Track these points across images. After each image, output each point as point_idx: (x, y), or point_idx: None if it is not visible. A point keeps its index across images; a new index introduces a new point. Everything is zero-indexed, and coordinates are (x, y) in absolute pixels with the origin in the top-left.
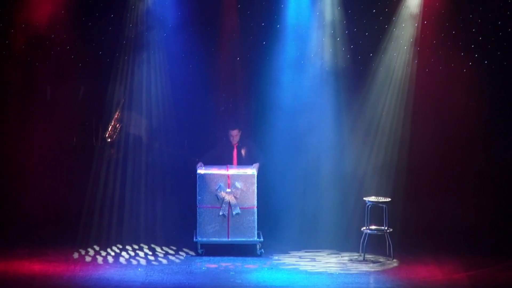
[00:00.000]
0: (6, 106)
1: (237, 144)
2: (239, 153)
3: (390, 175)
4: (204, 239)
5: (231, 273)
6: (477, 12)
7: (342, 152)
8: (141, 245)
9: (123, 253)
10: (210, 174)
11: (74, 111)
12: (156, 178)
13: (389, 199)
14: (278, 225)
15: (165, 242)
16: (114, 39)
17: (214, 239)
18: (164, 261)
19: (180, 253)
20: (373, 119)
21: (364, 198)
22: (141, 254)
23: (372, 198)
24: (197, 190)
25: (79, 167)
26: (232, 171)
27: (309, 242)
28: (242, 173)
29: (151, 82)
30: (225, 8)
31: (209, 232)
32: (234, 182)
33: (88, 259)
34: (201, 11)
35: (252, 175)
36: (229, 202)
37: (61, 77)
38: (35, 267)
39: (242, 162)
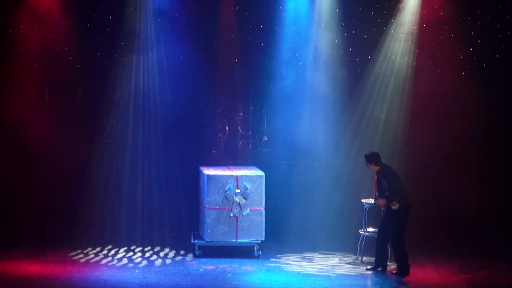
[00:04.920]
0: (4, 107)
1: (377, 176)
2: (378, 181)
3: None
4: (213, 240)
5: (228, 275)
6: (476, 14)
7: (341, 154)
8: (139, 246)
9: (121, 254)
10: (219, 176)
11: (72, 112)
12: (154, 179)
13: None
14: (277, 227)
15: (162, 243)
16: (112, 40)
17: (223, 240)
18: (162, 262)
19: (178, 254)
20: (372, 121)
21: (362, 200)
22: (139, 255)
23: (370, 201)
24: (206, 191)
25: (76, 168)
26: (241, 172)
27: (307, 244)
28: (251, 174)
29: (150, 83)
30: (223, 9)
31: (218, 233)
32: (243, 183)
33: (86, 260)
34: (200, 12)
35: (261, 176)
36: (239, 203)
37: (59, 78)
38: (32, 268)
39: (382, 189)
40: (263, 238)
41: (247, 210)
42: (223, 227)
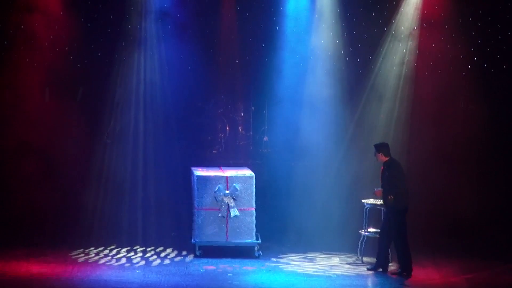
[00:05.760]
0: (4, 107)
1: (383, 167)
2: (383, 172)
3: None
4: (203, 240)
5: (228, 275)
6: (476, 15)
7: (342, 155)
8: (140, 246)
9: (121, 255)
10: (208, 176)
11: (72, 112)
12: (155, 179)
13: None
14: (277, 227)
15: (164, 243)
16: (113, 40)
17: (213, 240)
18: (162, 262)
19: (178, 254)
20: (372, 122)
21: (363, 201)
22: (140, 255)
23: (370, 201)
24: (196, 192)
25: (76, 169)
26: (231, 172)
27: (308, 244)
28: (241, 175)
29: (150, 83)
30: (224, 10)
31: (208, 234)
32: (233, 183)
33: (86, 260)
34: (200, 13)
35: (251, 177)
36: (228, 204)
37: (60, 78)
38: (33, 268)
39: (384, 181)
40: (254, 239)
41: (235, 211)
42: (213, 227)
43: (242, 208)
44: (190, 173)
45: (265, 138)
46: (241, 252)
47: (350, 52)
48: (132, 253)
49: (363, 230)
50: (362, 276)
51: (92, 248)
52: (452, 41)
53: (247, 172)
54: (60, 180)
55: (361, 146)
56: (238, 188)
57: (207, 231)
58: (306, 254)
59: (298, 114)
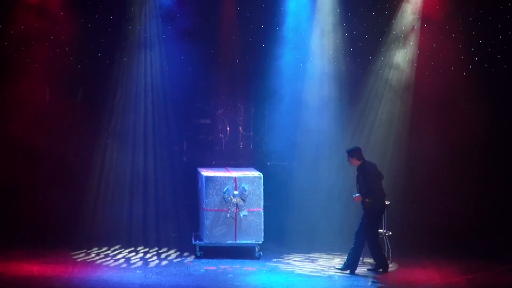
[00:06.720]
0: (4, 108)
1: (357, 171)
2: (358, 175)
3: (389, 178)
4: (212, 241)
5: (229, 275)
6: (477, 15)
7: (342, 155)
8: (141, 247)
9: (122, 255)
10: (217, 177)
11: (73, 112)
12: (156, 180)
13: (388, 202)
14: (277, 228)
15: (164, 244)
16: (113, 40)
17: (221, 241)
18: (163, 263)
19: (180, 255)
20: (372, 122)
21: None
22: (140, 256)
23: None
24: (204, 193)
25: (76, 169)
26: (239, 173)
27: (308, 245)
28: (249, 175)
29: (150, 83)
30: (224, 10)
31: (216, 234)
32: (241, 184)
33: (86, 260)
34: (201, 13)
35: (259, 177)
36: (237, 204)
37: (60, 78)
38: (33, 268)
39: (360, 185)
40: (262, 239)
41: (244, 212)
42: (221, 228)
43: (251, 209)
44: (196, 173)
45: (266, 139)
46: (242, 253)
47: (351, 52)
48: (134, 253)
49: None
50: (363, 276)
51: (95, 249)
52: (453, 41)
53: (255, 173)
54: (61, 180)
55: (362, 146)
56: (246, 189)
57: (216, 232)
58: (307, 255)
59: (298, 114)
